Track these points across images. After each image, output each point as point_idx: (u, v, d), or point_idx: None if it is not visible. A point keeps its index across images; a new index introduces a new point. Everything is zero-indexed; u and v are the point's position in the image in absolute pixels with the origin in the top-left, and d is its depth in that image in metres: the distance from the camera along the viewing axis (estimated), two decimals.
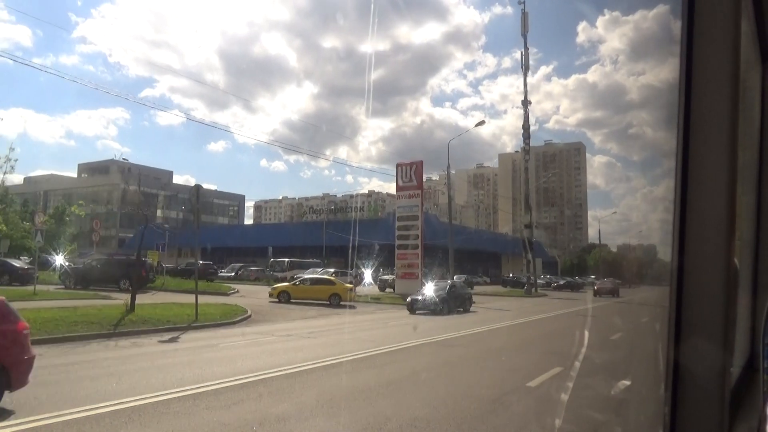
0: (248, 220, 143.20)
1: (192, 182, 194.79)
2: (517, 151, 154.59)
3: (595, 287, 44.16)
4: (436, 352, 11.41)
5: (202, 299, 24.00)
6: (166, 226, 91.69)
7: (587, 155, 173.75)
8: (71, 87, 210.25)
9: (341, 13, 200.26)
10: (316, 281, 27.08)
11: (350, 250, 53.76)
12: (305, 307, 23.54)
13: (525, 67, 47.28)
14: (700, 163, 1.38)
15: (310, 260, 58.62)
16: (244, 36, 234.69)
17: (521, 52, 47.42)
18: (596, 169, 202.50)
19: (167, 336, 13.78)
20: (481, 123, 45.97)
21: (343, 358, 10.06)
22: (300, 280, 27.72)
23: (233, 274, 46.63)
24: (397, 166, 33.38)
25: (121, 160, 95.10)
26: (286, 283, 27.97)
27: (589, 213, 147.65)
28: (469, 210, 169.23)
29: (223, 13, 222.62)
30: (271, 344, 12.58)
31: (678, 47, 1.44)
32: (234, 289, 32.50)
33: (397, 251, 32.64)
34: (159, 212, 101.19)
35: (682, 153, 1.40)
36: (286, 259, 57.24)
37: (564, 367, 9.48)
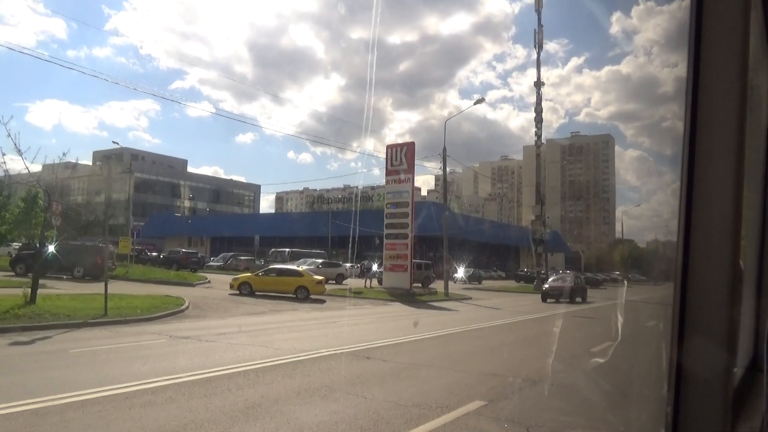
0: (270, 211, 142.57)
1: (220, 173, 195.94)
2: (543, 143, 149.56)
3: (544, 287, 28.53)
4: (332, 368, 8.49)
5: (154, 289, 21.64)
6: (178, 215, 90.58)
7: (619, 149, 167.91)
8: (106, 78, 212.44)
9: (369, 4, 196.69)
10: (281, 272, 24.30)
11: (351, 241, 50.99)
12: (265, 301, 20.85)
13: (538, 46, 43.43)
14: (706, 161, 1.36)
15: (313, 251, 56.16)
16: (273, 28, 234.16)
17: (534, 30, 43.57)
18: (627, 163, 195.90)
19: (42, 334, 11.23)
20: (480, 100, 42.10)
21: (201, 374, 7.27)
22: (264, 271, 25.02)
23: (222, 263, 44.14)
24: (387, 147, 30.25)
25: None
26: (249, 274, 25.22)
27: (619, 208, 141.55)
28: (491, 203, 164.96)
29: (252, 5, 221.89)
30: (132, 351, 9.83)
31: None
32: (206, 279, 30.02)
33: (385, 241, 29.59)
34: (186, 202, 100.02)
35: (688, 150, 1.38)
36: (287, 249, 54.84)
37: (489, 400, 6.52)
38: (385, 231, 29.65)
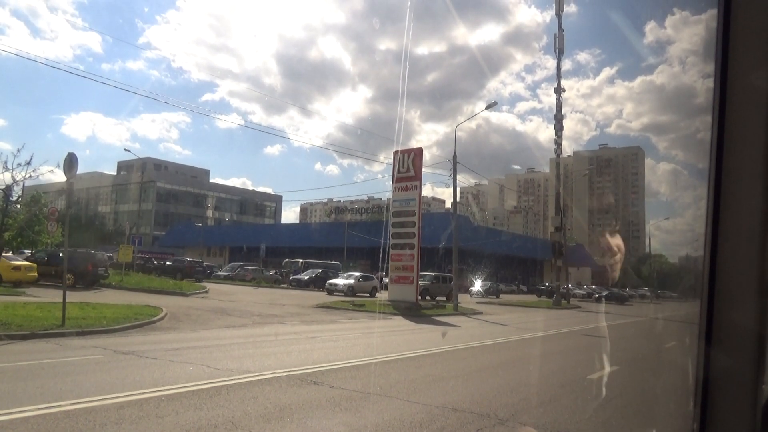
0: (295, 221, 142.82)
1: (248, 185, 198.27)
2: (569, 155, 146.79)
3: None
4: (258, 396, 7.11)
5: (140, 299, 20.59)
6: (198, 225, 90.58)
7: (651, 162, 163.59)
8: (138, 92, 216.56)
9: (396, 16, 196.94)
10: None
11: (381, 253, 49.45)
12: (252, 312, 19.59)
13: (559, 51, 41.57)
14: (734, 174, 1.33)
15: (328, 261, 55.19)
16: (301, 40, 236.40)
17: (555, 35, 41.78)
18: (660, 176, 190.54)
19: None
20: (493, 104, 40.75)
21: (89, 402, 6.00)
22: None
23: (229, 273, 43.25)
24: (394, 153, 28.80)
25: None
26: None
27: (651, 222, 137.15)
28: (517, 216, 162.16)
29: (281, 17, 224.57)
30: (49, 369, 8.62)
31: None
32: (205, 288, 28.97)
33: (391, 251, 28.12)
34: (210, 212, 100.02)
35: (715, 163, 1.34)
36: (300, 260, 54.00)
37: None
38: (391, 241, 28.21)
